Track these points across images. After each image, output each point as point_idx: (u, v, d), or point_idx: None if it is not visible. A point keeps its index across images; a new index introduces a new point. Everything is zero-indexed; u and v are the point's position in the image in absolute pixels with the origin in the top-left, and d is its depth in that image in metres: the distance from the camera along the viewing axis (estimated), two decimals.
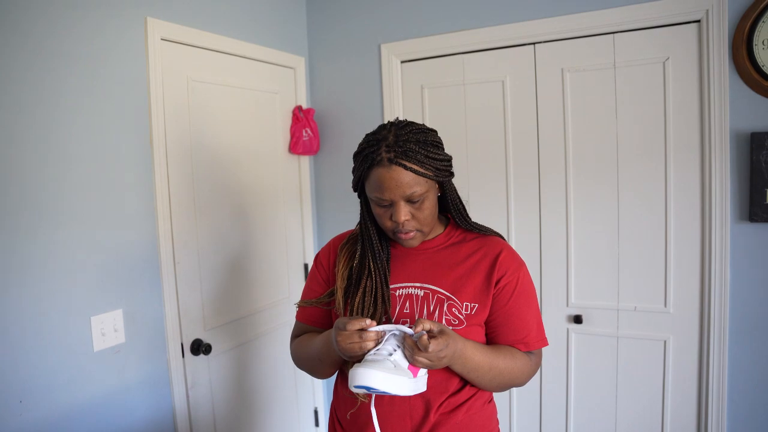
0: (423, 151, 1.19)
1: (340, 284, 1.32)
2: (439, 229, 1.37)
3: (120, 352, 1.82)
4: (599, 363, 2.31)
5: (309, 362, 1.37)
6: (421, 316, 1.26)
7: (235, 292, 2.30)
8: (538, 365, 1.37)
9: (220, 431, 2.21)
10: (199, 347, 2.08)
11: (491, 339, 1.32)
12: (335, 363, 1.30)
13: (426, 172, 1.20)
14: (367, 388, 1.08)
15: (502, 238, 1.40)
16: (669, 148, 2.11)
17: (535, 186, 2.35)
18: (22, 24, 1.54)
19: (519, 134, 2.36)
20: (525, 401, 2.47)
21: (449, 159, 1.28)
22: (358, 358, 1.15)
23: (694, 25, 2.04)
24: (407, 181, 1.18)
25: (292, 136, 2.60)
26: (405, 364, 1.12)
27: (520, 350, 1.31)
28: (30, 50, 1.56)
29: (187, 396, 2.06)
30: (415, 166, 1.18)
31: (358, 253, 1.32)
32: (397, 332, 1.14)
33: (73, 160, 1.68)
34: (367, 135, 1.26)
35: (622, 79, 2.17)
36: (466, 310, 1.26)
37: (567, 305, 2.34)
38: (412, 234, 1.26)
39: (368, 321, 1.13)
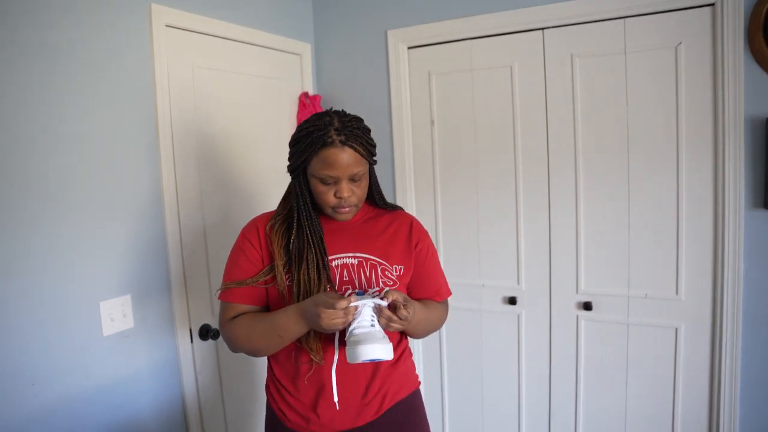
0: (365, 137, 1.39)
1: (279, 261, 1.40)
2: None
3: (129, 337, 1.84)
4: (609, 350, 2.29)
5: (263, 340, 1.40)
6: (360, 281, 1.43)
7: None
8: (447, 311, 1.66)
9: (229, 416, 2.22)
10: (208, 332, 2.09)
11: (414, 292, 1.55)
12: (295, 338, 1.38)
13: (367, 154, 1.39)
14: (370, 360, 1.23)
15: (404, 210, 1.62)
16: (681, 134, 2.08)
17: (544, 173, 2.33)
18: (27, 11, 1.54)
19: (527, 120, 2.34)
20: (534, 387, 2.46)
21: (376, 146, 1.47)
22: (338, 332, 1.33)
23: (708, 8, 2.00)
24: (354, 161, 1.35)
25: (299, 122, 2.59)
26: (382, 331, 1.29)
27: (436, 301, 1.58)
28: (34, 38, 1.56)
29: (196, 381, 2.08)
30: (360, 149, 1.36)
31: (295, 229, 1.42)
32: (372, 304, 1.28)
33: (78, 148, 1.68)
34: (307, 121, 1.39)
35: (633, 65, 2.13)
36: (396, 271, 1.47)
37: (577, 292, 2.32)
38: (348, 209, 1.41)
39: (351, 298, 1.25)
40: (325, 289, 1.38)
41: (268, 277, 1.43)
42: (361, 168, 1.38)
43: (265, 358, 1.55)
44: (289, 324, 1.35)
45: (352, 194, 1.38)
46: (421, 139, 2.57)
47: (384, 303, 1.28)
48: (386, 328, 1.30)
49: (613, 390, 2.31)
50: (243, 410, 2.29)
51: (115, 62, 1.78)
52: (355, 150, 1.35)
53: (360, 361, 1.24)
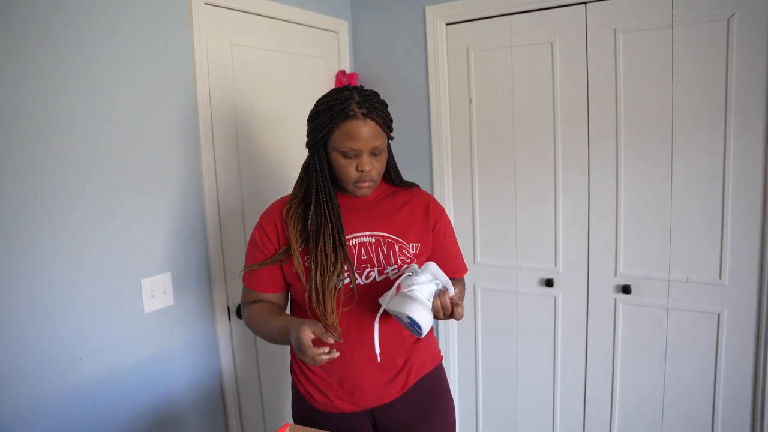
0: (384, 110, 1.40)
1: (296, 245, 1.41)
2: None
3: (169, 314, 1.87)
4: (648, 335, 2.25)
5: (269, 339, 1.46)
6: (378, 259, 1.44)
7: None
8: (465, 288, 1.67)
9: (265, 392, 2.26)
10: None
11: None
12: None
13: (386, 128, 1.41)
14: (411, 321, 1.25)
15: (420, 188, 1.62)
16: (730, 112, 1.99)
17: (584, 152, 2.27)
18: None
19: (568, 99, 2.28)
20: (569, 372, 2.44)
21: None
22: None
23: None
24: (376, 134, 1.37)
25: None
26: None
27: (456, 278, 1.60)
28: (72, 19, 1.57)
29: (234, 358, 2.11)
30: (381, 122, 1.37)
31: (312, 206, 1.42)
32: (440, 286, 1.29)
33: (120, 126, 1.70)
34: (326, 96, 1.40)
35: (680, 39, 2.04)
36: (413, 249, 1.48)
37: (615, 274, 2.28)
38: (368, 183, 1.41)
39: (331, 341, 1.23)
40: (342, 267, 1.38)
41: (284, 257, 1.45)
42: (382, 141, 1.39)
43: None
44: (280, 336, 1.38)
45: (372, 168, 1.39)
46: (458, 117, 2.53)
47: (451, 291, 1.30)
48: (434, 313, 1.29)
49: (650, 376, 2.26)
50: (278, 387, 2.33)
51: (155, 41, 1.79)
52: (377, 123, 1.36)
53: (400, 312, 1.25)
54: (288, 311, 1.61)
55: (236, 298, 2.11)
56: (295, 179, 1.53)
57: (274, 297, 1.54)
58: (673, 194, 2.13)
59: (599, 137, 2.23)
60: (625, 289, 2.25)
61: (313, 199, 1.42)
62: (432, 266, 1.31)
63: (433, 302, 1.28)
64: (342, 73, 2.59)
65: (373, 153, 1.39)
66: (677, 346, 2.20)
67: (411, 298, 1.24)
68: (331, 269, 1.37)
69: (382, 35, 2.65)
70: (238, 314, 2.11)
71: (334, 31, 2.60)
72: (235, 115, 2.09)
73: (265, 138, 2.24)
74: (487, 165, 2.50)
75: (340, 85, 2.57)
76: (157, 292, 1.82)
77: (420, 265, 1.42)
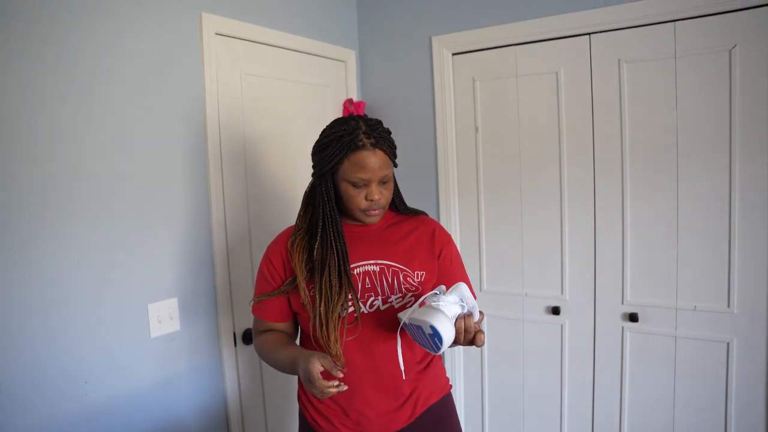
0: (390, 140, 1.41)
1: (301, 277, 1.41)
2: None
3: (175, 339, 1.87)
4: (656, 364, 2.22)
5: (276, 367, 1.48)
6: (382, 288, 1.43)
7: None
8: None
9: (270, 419, 2.24)
10: (251, 337, 2.11)
11: None
12: None
13: (393, 157, 1.42)
14: (433, 331, 1.22)
15: (427, 215, 1.62)
16: (734, 141, 2.01)
17: (590, 180, 2.29)
18: (83, 19, 1.59)
19: (573, 127, 2.30)
20: (576, 401, 2.41)
21: None
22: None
23: (767, 8, 1.92)
24: (384, 163, 1.38)
25: None
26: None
27: None
28: (87, 45, 1.61)
29: (239, 384, 2.10)
30: (388, 151, 1.39)
31: (319, 236, 1.41)
32: (466, 310, 1.28)
33: (129, 151, 1.73)
34: (332, 126, 1.40)
35: (684, 70, 2.07)
36: (418, 277, 1.47)
37: (622, 303, 2.27)
38: (377, 212, 1.42)
39: (340, 374, 1.24)
40: (346, 296, 1.37)
41: (291, 288, 1.45)
42: (389, 170, 1.40)
43: None
44: (288, 366, 1.39)
45: (381, 196, 1.40)
46: (465, 145, 2.55)
47: (476, 316, 1.29)
48: (456, 334, 1.26)
49: (659, 406, 2.23)
50: (284, 414, 2.31)
51: (167, 69, 1.83)
52: (385, 152, 1.38)
53: (422, 321, 1.23)
54: (298, 341, 1.61)
55: (242, 325, 2.11)
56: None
57: (283, 326, 1.54)
58: (680, 222, 2.13)
59: (605, 165, 2.25)
60: (633, 317, 2.23)
61: (319, 229, 1.42)
62: (462, 287, 1.29)
63: (456, 323, 1.26)
64: (350, 101, 2.63)
65: (382, 181, 1.39)
66: (686, 375, 2.17)
67: (436, 309, 1.23)
68: (335, 299, 1.36)
69: (389, 64, 2.69)
70: (245, 340, 2.11)
71: (342, 61, 2.65)
72: (243, 142, 2.12)
73: (273, 165, 2.27)
74: (494, 193, 2.52)
75: (347, 113, 2.62)
76: (164, 317, 1.83)
77: (427, 291, 1.43)
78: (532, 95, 2.38)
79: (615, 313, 2.29)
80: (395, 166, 1.46)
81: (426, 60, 2.58)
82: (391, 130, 1.46)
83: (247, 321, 2.13)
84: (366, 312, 1.43)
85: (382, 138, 1.37)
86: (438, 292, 1.29)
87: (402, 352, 1.42)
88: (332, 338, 1.36)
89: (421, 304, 1.29)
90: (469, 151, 2.54)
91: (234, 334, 2.08)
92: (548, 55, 2.33)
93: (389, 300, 1.44)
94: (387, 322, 1.43)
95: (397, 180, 1.55)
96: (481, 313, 1.32)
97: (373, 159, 1.35)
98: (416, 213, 1.59)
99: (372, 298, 1.43)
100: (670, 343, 2.18)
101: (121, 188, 1.70)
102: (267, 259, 1.52)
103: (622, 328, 2.28)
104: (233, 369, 2.08)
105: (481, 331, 1.28)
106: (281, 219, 2.27)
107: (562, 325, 2.41)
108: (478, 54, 2.48)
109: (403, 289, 1.45)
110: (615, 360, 2.31)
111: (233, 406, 2.08)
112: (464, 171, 2.57)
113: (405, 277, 1.45)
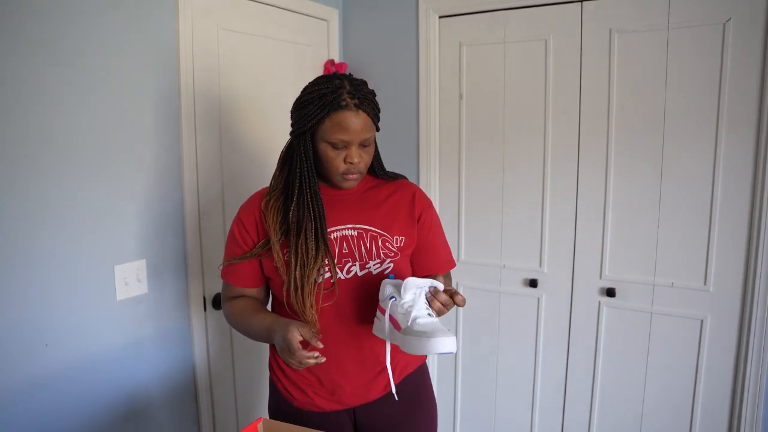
0: (375, 101, 1.35)
1: (275, 239, 1.35)
2: None
3: (142, 302, 1.81)
4: (630, 338, 2.23)
5: (251, 336, 1.42)
6: (360, 253, 1.39)
7: None
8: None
9: (239, 386, 2.21)
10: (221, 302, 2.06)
11: (417, 264, 1.51)
12: None
13: (376, 119, 1.36)
14: (443, 353, 1.14)
15: (407, 179, 1.56)
16: (722, 118, 1.97)
17: (574, 152, 2.24)
18: None
19: (560, 97, 2.25)
20: (550, 372, 2.42)
21: None
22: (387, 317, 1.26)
23: None
24: (367, 126, 1.32)
25: None
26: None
27: (443, 272, 1.54)
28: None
29: (208, 350, 2.05)
30: (371, 113, 1.33)
31: (295, 197, 1.35)
32: (427, 289, 1.22)
33: (98, 106, 1.64)
34: (315, 84, 1.33)
35: (676, 42, 2.02)
36: (397, 243, 1.43)
37: (600, 277, 2.26)
38: (356, 176, 1.36)
39: (320, 345, 1.21)
40: (323, 261, 1.33)
41: (262, 251, 1.40)
42: (371, 133, 1.35)
43: None
44: (263, 334, 1.35)
45: (361, 160, 1.34)
46: (448, 112, 2.49)
47: (440, 286, 1.23)
48: (438, 314, 1.24)
49: (631, 379, 2.25)
50: (254, 382, 2.27)
51: (140, 23, 1.73)
52: (368, 114, 1.32)
53: (426, 353, 1.15)
54: (270, 308, 1.55)
55: (213, 289, 2.05)
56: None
57: (255, 292, 1.48)
58: (662, 198, 2.11)
59: (590, 138, 2.21)
60: (610, 292, 2.23)
61: (296, 191, 1.36)
62: (409, 281, 1.22)
63: (434, 307, 1.24)
64: (331, 62, 2.54)
65: (363, 145, 1.34)
66: (659, 351, 2.19)
67: (421, 334, 1.15)
68: (312, 263, 1.31)
69: (373, 25, 2.59)
70: (215, 305, 2.05)
71: (325, 19, 2.54)
72: (219, 99, 2.03)
73: (250, 124, 2.18)
74: (475, 161, 2.47)
75: (328, 74, 2.53)
76: (131, 280, 1.76)
77: (401, 263, 1.40)
78: (520, 63, 2.31)
79: (592, 287, 2.28)
80: (377, 129, 1.39)
81: (412, 21, 2.49)
82: (375, 92, 1.40)
83: (218, 285, 2.07)
84: (343, 278, 1.38)
85: (366, 99, 1.31)
86: (393, 296, 1.24)
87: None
88: (308, 304, 1.31)
89: (391, 319, 1.24)
90: (452, 118, 2.48)
91: (204, 299, 2.02)
92: (538, 22, 2.25)
93: (367, 266, 1.39)
94: (364, 288, 1.39)
95: (378, 145, 1.48)
96: (441, 277, 1.28)
97: (355, 120, 1.29)
98: (395, 177, 1.54)
99: (349, 264, 1.38)
100: (646, 318, 2.19)
101: (88, 145, 1.61)
102: (238, 220, 1.45)
103: (599, 302, 2.27)
104: (202, 335, 2.02)
105: (456, 293, 1.25)
106: (256, 180, 2.20)
107: (539, 298, 2.40)
108: (466, 17, 2.40)
109: (382, 255, 1.40)
110: (590, 334, 2.31)
111: (201, 373, 2.03)
112: (446, 138, 2.51)
113: (384, 242, 1.41)
